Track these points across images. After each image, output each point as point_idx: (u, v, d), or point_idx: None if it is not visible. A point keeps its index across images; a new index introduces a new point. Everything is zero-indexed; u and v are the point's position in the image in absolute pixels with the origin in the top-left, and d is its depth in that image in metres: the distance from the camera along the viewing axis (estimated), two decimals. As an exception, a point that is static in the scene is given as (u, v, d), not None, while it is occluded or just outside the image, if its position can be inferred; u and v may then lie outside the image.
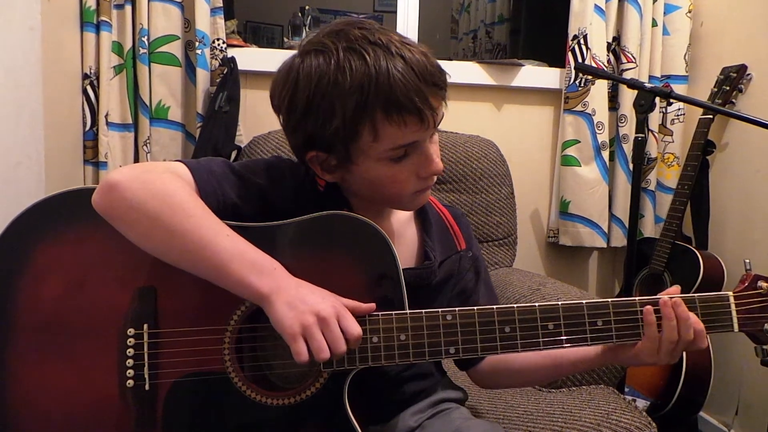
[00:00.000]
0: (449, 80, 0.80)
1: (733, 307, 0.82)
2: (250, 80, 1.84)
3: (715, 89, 1.76)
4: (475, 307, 0.79)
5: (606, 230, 1.99)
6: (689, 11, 1.95)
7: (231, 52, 1.79)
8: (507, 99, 2.04)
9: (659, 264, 1.76)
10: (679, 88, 1.94)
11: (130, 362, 0.77)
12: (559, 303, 0.80)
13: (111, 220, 0.75)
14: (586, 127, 1.93)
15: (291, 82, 0.79)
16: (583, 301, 0.80)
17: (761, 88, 1.73)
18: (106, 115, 1.68)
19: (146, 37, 1.68)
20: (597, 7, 1.90)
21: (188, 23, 1.75)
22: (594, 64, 1.89)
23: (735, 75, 1.72)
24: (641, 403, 1.73)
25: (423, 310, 0.78)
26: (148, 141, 1.72)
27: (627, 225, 1.86)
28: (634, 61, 1.94)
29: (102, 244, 0.78)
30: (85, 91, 1.67)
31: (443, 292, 0.93)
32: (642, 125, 1.50)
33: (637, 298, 0.81)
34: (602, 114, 1.95)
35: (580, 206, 1.96)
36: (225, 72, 1.72)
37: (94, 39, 1.65)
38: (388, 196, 0.85)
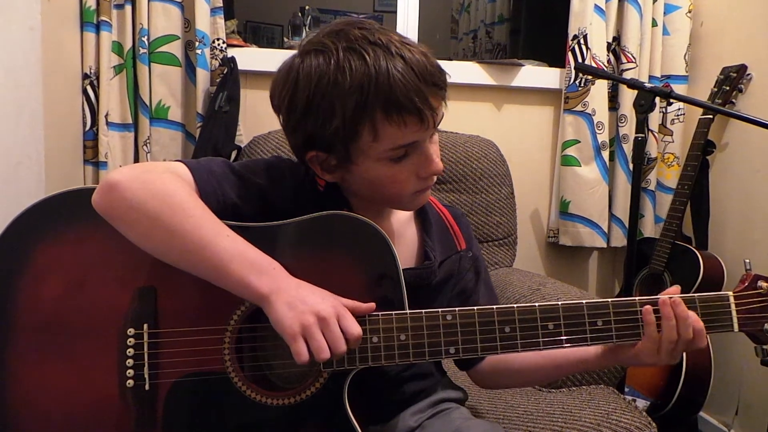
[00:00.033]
0: (449, 80, 0.80)
1: (733, 307, 0.82)
2: (250, 80, 1.84)
3: (715, 89, 1.76)
4: (475, 307, 0.79)
5: (606, 230, 1.99)
6: (689, 11, 1.95)
7: (231, 52, 1.79)
8: (507, 99, 2.04)
9: (659, 264, 1.76)
10: (679, 88, 1.94)
11: (130, 362, 0.77)
12: (559, 303, 0.80)
13: (111, 220, 0.75)
14: (586, 127, 1.93)
15: (291, 82, 0.79)
16: (583, 301, 0.80)
17: (761, 88, 1.73)
18: (106, 115, 1.68)
19: (146, 37, 1.68)
20: (597, 7, 1.90)
21: (188, 23, 1.75)
22: (594, 64, 1.89)
23: (735, 75, 1.72)
24: (641, 403, 1.73)
25: (423, 310, 0.78)
26: (148, 141, 1.72)
27: (627, 225, 1.86)
28: (634, 61, 1.94)
29: (102, 244, 0.78)
30: (85, 91, 1.67)
31: (443, 292, 0.93)
32: (642, 125, 1.50)
33: (637, 298, 0.81)
34: (602, 114, 1.95)
35: (580, 206, 1.96)
36: (225, 72, 1.72)
37: (94, 39, 1.65)
38: (388, 196, 0.85)
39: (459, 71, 1.98)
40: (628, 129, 1.94)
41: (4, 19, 1.22)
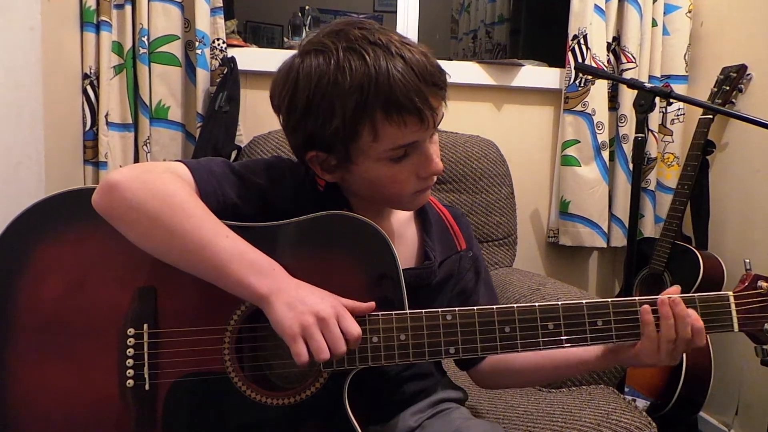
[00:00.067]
0: (449, 80, 0.80)
1: (733, 306, 0.82)
2: (250, 80, 1.84)
3: (715, 89, 1.76)
4: (475, 307, 0.79)
5: (606, 230, 1.99)
6: (689, 11, 1.95)
7: (231, 52, 1.79)
8: (507, 99, 2.04)
9: (659, 264, 1.76)
10: (679, 88, 1.94)
11: (130, 362, 0.77)
12: (559, 303, 0.80)
13: (111, 220, 0.75)
14: (586, 127, 1.93)
15: (291, 82, 0.79)
16: (583, 301, 0.80)
17: (761, 88, 1.73)
18: (106, 115, 1.68)
19: (146, 37, 1.68)
20: (597, 7, 1.90)
21: (188, 23, 1.75)
22: (594, 64, 1.89)
23: (735, 75, 1.72)
24: (641, 403, 1.73)
25: (423, 310, 0.78)
26: (148, 141, 1.72)
27: (627, 225, 1.86)
28: (634, 61, 1.94)
29: (102, 244, 0.78)
30: (85, 91, 1.67)
31: (443, 292, 0.93)
32: (642, 125, 1.50)
33: (637, 298, 0.81)
34: (602, 114, 1.95)
35: (580, 206, 1.96)
36: (225, 72, 1.72)
37: (94, 39, 1.65)
38: (388, 196, 0.85)
39: (459, 71, 1.98)
40: (628, 129, 1.94)
41: (4, 19, 1.22)
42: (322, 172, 0.84)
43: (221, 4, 1.77)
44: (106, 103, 1.67)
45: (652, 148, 1.97)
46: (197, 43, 1.72)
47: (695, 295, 0.82)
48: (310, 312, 0.70)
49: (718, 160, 1.86)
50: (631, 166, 1.77)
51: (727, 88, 1.72)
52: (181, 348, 0.77)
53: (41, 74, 1.36)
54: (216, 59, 1.75)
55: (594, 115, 1.93)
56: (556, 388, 1.19)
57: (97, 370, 0.77)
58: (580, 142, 1.95)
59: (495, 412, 1.10)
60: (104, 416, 0.76)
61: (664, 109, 2.00)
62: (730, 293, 0.83)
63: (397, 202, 0.88)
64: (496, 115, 2.04)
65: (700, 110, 1.77)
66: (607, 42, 1.94)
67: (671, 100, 1.69)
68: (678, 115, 1.99)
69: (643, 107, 1.46)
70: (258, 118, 1.83)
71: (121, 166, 1.69)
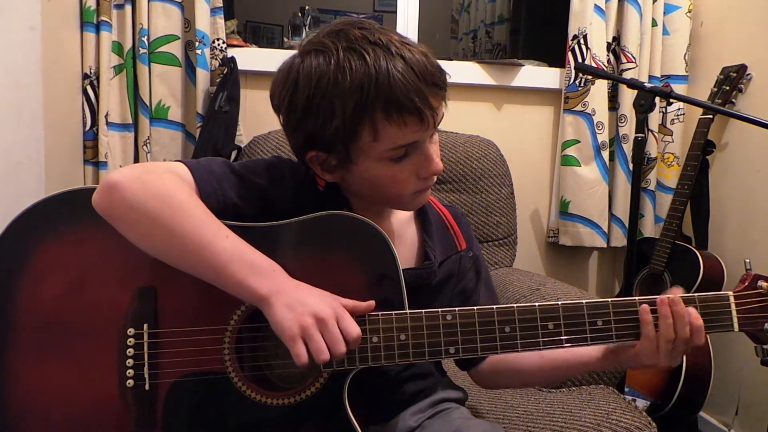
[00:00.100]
0: (449, 80, 0.80)
1: (733, 306, 0.82)
2: (250, 80, 1.84)
3: (715, 89, 1.76)
4: (475, 307, 0.79)
5: (606, 230, 1.99)
6: (689, 11, 1.95)
7: (231, 52, 1.79)
8: (507, 99, 2.04)
9: (659, 264, 1.76)
10: (679, 88, 1.94)
11: (130, 362, 0.77)
12: (559, 303, 0.80)
13: (111, 220, 0.75)
14: (586, 127, 1.93)
15: (291, 82, 0.79)
16: (583, 301, 0.80)
17: (761, 88, 1.73)
18: (106, 115, 1.68)
19: (146, 37, 1.68)
20: (597, 7, 1.90)
21: (188, 23, 1.75)
22: (594, 64, 1.89)
23: (735, 75, 1.72)
24: (641, 403, 1.73)
25: (423, 310, 0.78)
26: (148, 141, 1.72)
27: (627, 225, 1.86)
28: (634, 61, 1.94)
29: (102, 244, 0.78)
30: (85, 91, 1.67)
31: (443, 292, 0.93)
32: (642, 125, 1.50)
33: (636, 298, 0.81)
34: (602, 114, 1.95)
35: (580, 206, 1.96)
36: (225, 72, 1.72)
37: (94, 39, 1.65)
38: (388, 196, 0.85)
39: (459, 71, 1.98)
40: (628, 129, 1.94)
41: (4, 19, 1.23)
42: (322, 172, 0.84)
43: (221, 4, 1.77)
44: (106, 103, 1.67)
45: (652, 148, 1.97)
46: (197, 43, 1.72)
47: (695, 294, 0.82)
48: (309, 313, 0.70)
49: (718, 160, 1.86)
50: (631, 166, 1.77)
51: (727, 88, 1.72)
52: (181, 348, 0.77)
53: (41, 74, 1.36)
54: (216, 59, 1.75)
55: (594, 115, 1.93)
56: (556, 388, 1.19)
57: (97, 370, 0.77)
58: (580, 142, 1.95)
59: (495, 412, 1.10)
60: (104, 416, 0.76)
61: (664, 109, 2.00)
62: (730, 293, 0.83)
63: (398, 202, 0.88)
64: (496, 115, 2.04)
65: (700, 110, 1.77)
66: (607, 42, 1.94)
67: (671, 100, 1.68)
68: (678, 115, 1.99)
69: (643, 107, 1.46)
70: (258, 118, 1.83)
71: (121, 166, 1.69)
